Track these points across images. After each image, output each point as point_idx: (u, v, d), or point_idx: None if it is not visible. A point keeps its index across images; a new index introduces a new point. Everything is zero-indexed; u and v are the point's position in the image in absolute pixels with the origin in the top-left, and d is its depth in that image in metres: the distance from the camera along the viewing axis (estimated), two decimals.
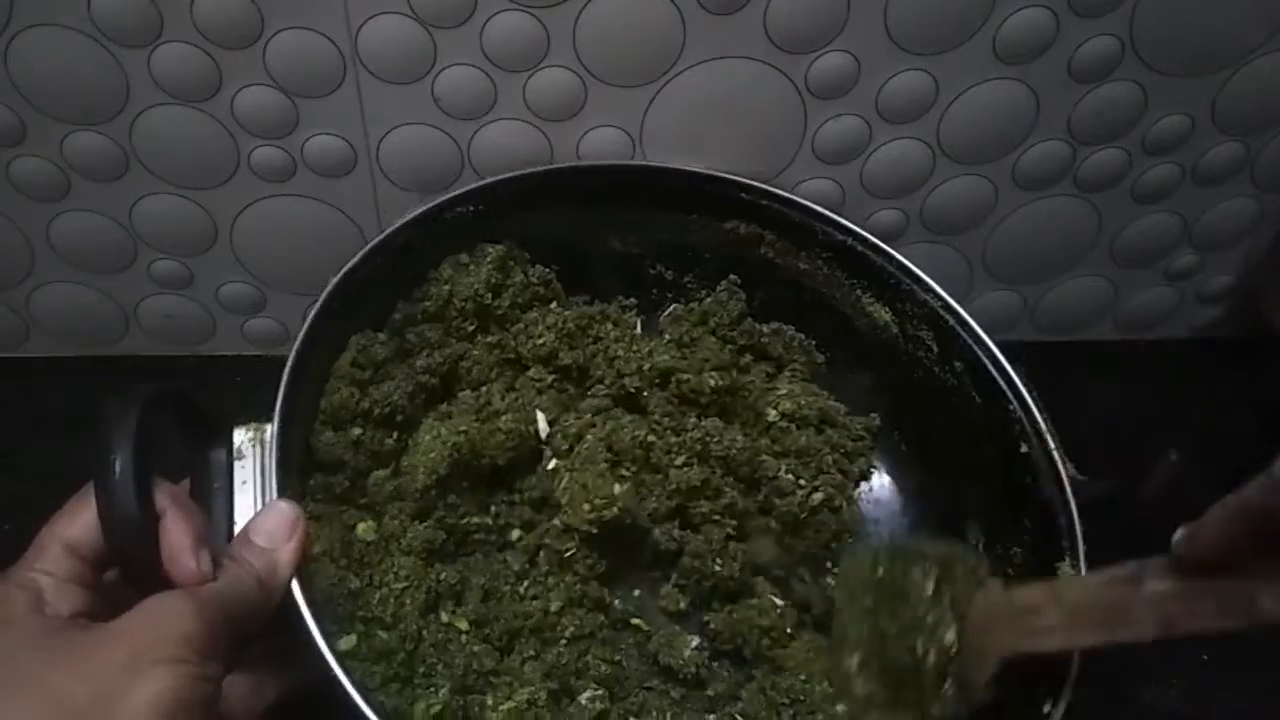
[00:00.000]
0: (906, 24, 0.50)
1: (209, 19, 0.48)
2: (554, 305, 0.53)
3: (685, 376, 0.51)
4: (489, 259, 0.51)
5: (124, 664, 0.31)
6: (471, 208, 0.50)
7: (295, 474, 0.42)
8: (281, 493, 0.39)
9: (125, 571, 0.35)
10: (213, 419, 0.40)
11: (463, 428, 0.47)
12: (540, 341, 0.51)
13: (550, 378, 0.52)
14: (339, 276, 0.46)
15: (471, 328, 0.51)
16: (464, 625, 0.45)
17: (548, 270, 0.53)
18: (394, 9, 0.48)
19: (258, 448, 0.39)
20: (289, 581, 0.37)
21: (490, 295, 0.51)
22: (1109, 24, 0.51)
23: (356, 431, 0.46)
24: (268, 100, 0.51)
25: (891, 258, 0.52)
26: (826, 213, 0.53)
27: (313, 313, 0.44)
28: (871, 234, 0.58)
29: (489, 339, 0.52)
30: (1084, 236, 0.61)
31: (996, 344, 0.50)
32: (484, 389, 0.51)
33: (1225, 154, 0.58)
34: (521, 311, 0.52)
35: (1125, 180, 0.58)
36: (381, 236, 0.48)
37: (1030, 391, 0.48)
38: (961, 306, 0.51)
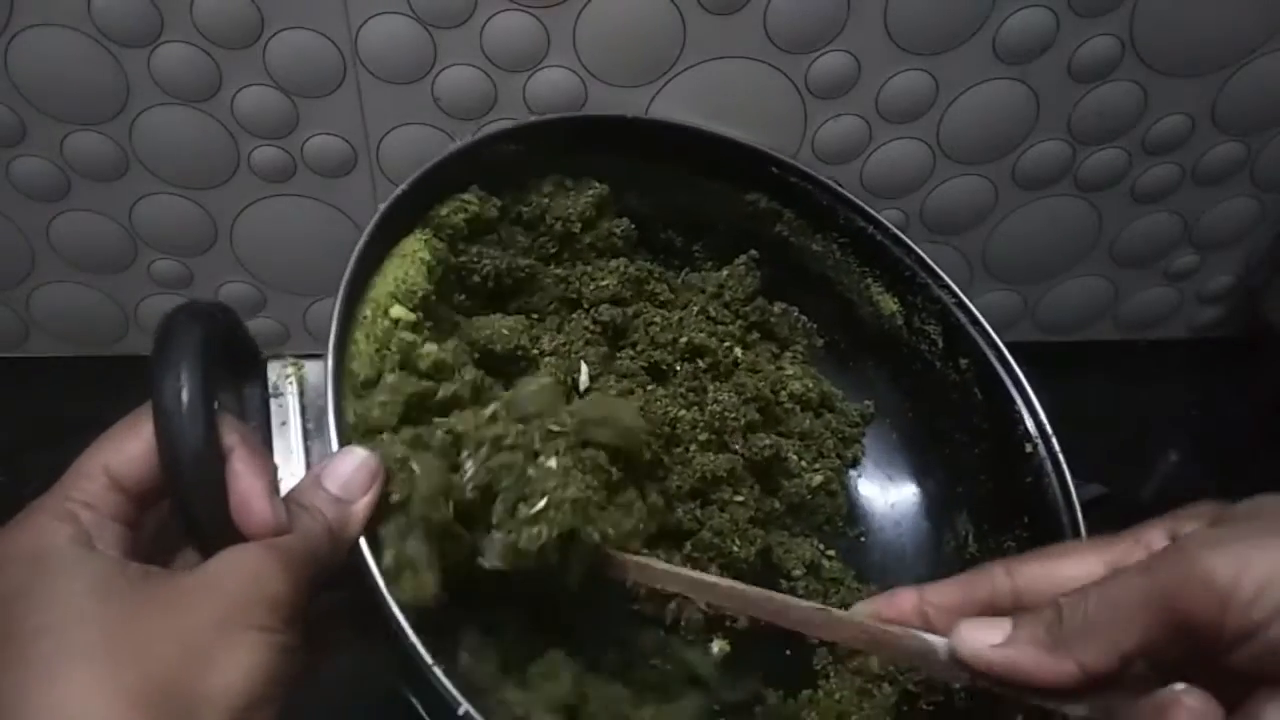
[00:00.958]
0: (907, 24, 0.50)
1: (209, 19, 0.48)
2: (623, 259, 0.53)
3: (715, 353, 0.52)
4: (592, 193, 0.51)
5: (216, 625, 0.27)
6: (514, 146, 0.49)
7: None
8: (341, 429, 0.34)
9: (186, 517, 0.30)
10: (249, 348, 0.35)
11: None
12: (604, 284, 0.51)
13: (595, 329, 0.51)
14: (408, 183, 0.43)
15: (553, 250, 0.51)
16: None
17: (633, 226, 0.53)
18: (394, 9, 0.48)
19: (294, 384, 0.35)
20: (358, 538, 0.32)
21: (580, 226, 0.50)
22: (1109, 24, 0.51)
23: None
24: (268, 100, 0.51)
25: (910, 250, 0.51)
26: (852, 197, 0.52)
27: (377, 215, 0.41)
28: None
29: (559, 270, 0.51)
30: (1084, 236, 0.61)
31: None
32: (536, 320, 0.50)
33: (1225, 154, 0.58)
34: (596, 256, 0.52)
35: (1125, 180, 0.58)
36: (434, 161, 0.45)
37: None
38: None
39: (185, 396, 0.28)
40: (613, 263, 0.52)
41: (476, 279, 0.47)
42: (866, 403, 0.55)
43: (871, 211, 0.52)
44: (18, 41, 0.48)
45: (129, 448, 0.30)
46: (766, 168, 0.53)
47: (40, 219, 0.56)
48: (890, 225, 0.52)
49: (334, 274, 0.44)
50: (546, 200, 0.50)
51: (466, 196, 0.47)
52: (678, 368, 0.52)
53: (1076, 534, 0.44)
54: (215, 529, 0.29)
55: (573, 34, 0.49)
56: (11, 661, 0.26)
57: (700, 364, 0.52)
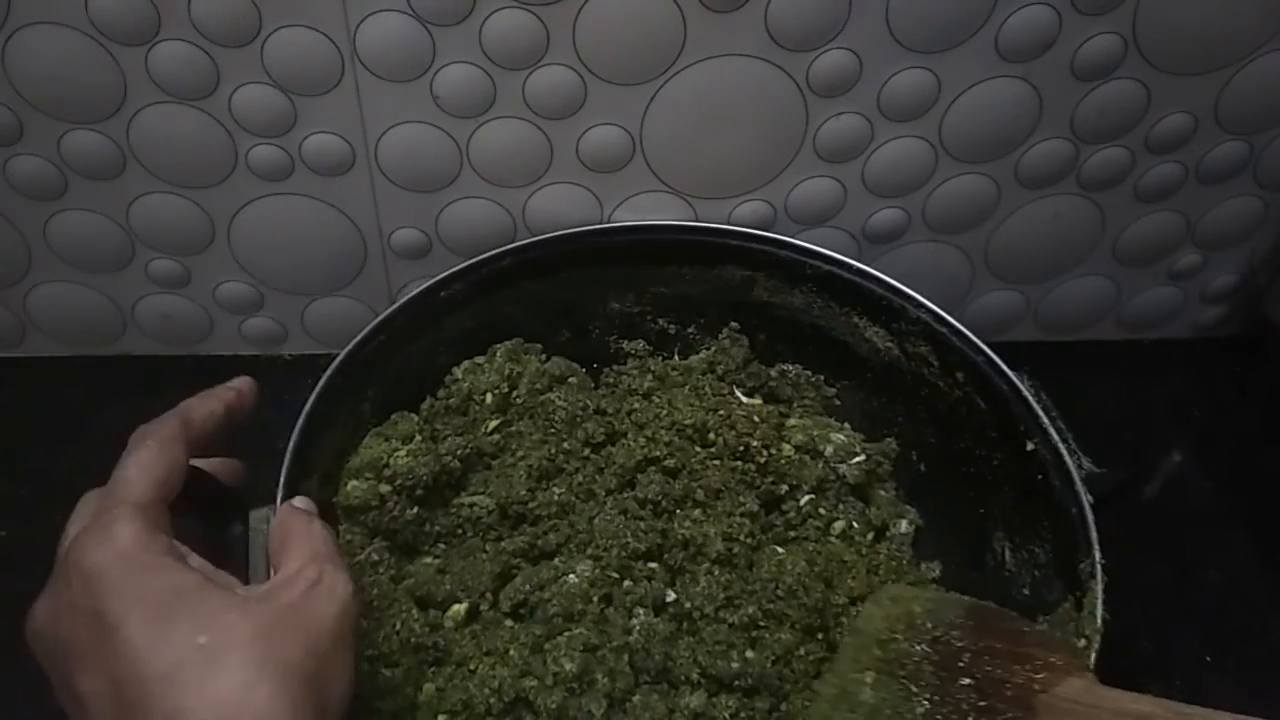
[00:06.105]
0: (908, 22, 0.50)
1: (207, 17, 0.47)
2: (571, 380, 0.54)
3: (707, 424, 0.52)
4: (500, 353, 0.53)
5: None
6: (460, 285, 0.52)
7: None
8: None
9: None
10: (229, 500, 0.42)
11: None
12: (555, 413, 0.51)
13: (580, 449, 0.52)
14: (343, 354, 0.48)
15: (495, 422, 0.52)
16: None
17: (564, 361, 0.55)
18: (392, 6, 0.48)
19: (267, 525, 0.41)
20: None
21: (508, 386, 0.52)
22: (1112, 22, 0.51)
23: (386, 488, 0.47)
24: (266, 99, 0.51)
25: (879, 279, 0.52)
26: (812, 246, 0.53)
27: (313, 395, 0.46)
28: (871, 233, 0.59)
29: (512, 428, 0.52)
30: (1087, 235, 0.61)
31: (998, 344, 0.49)
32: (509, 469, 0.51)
33: (1228, 153, 0.57)
34: (540, 394, 0.53)
35: (1128, 179, 0.58)
36: (381, 317, 0.50)
37: (1037, 391, 0.48)
38: (958, 310, 0.50)
39: None
40: (552, 394, 0.53)
41: (420, 490, 0.48)
42: (888, 440, 0.55)
43: (833, 254, 0.53)
44: (15, 40, 0.48)
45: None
46: (724, 240, 0.55)
47: (37, 218, 0.56)
48: (853, 261, 0.53)
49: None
50: (466, 384, 0.52)
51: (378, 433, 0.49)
52: (668, 448, 0.51)
53: (1085, 524, 0.44)
54: None
55: (572, 32, 0.49)
56: None
57: (694, 440, 0.52)
